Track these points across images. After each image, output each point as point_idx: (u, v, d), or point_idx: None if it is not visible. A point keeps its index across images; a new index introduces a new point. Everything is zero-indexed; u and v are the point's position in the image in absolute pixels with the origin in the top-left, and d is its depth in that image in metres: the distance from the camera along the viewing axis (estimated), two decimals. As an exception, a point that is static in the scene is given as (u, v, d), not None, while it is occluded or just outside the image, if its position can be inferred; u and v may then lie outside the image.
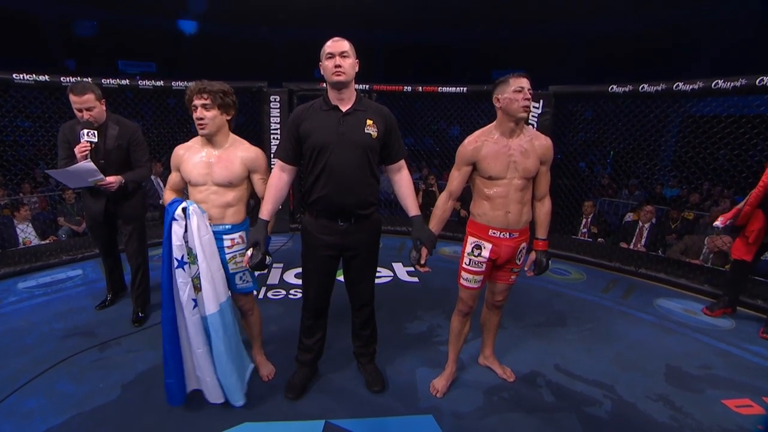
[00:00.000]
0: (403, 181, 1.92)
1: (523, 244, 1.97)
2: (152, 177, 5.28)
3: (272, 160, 1.96)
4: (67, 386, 2.09)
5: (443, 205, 1.96)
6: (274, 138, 4.72)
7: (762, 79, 3.01)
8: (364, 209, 1.84)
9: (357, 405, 2.01)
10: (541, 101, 4.19)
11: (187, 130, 4.61)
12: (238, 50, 13.83)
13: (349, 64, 1.72)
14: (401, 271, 3.81)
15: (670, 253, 4.36)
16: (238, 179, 1.88)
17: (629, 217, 5.36)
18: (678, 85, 3.44)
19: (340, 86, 1.74)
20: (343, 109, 1.77)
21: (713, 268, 3.77)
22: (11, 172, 4.39)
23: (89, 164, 2.33)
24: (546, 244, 1.97)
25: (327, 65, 1.72)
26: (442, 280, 3.50)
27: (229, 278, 1.97)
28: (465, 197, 2.11)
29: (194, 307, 1.73)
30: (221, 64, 13.27)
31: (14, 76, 3.49)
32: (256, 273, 1.98)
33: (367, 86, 4.73)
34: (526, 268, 2.01)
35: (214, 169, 1.85)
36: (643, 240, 4.66)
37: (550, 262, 1.99)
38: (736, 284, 3.06)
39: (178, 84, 4.19)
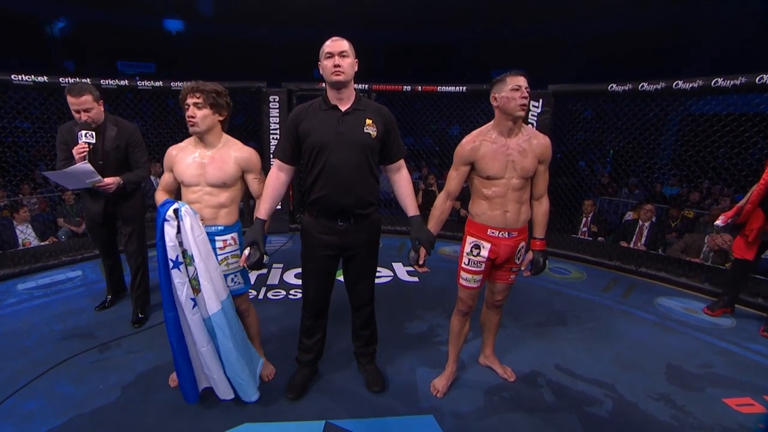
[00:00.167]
0: (402, 180, 1.92)
1: (522, 244, 1.96)
2: (151, 177, 5.27)
3: (272, 160, 1.95)
4: (66, 388, 2.09)
5: (441, 205, 1.96)
6: (273, 138, 4.72)
7: (762, 77, 3.01)
8: (364, 209, 1.83)
9: (357, 405, 2.01)
10: (541, 100, 4.18)
11: (186, 131, 4.60)
12: (238, 50, 13.83)
13: (348, 64, 1.72)
14: (401, 270, 3.81)
15: (670, 252, 4.35)
16: (231, 179, 1.88)
17: (629, 215, 5.35)
18: (678, 84, 3.44)
19: (339, 86, 1.73)
20: (343, 108, 1.77)
21: (713, 267, 3.77)
22: (10, 173, 4.38)
23: (86, 166, 2.32)
24: (543, 243, 1.97)
25: (326, 65, 1.72)
26: (442, 279, 3.50)
27: None
28: (465, 196, 2.10)
29: (193, 306, 1.72)
30: (220, 65, 13.27)
31: (13, 77, 3.48)
32: (254, 273, 1.98)
33: (367, 86, 4.72)
34: (522, 268, 2.00)
35: (207, 170, 1.85)
36: (643, 239, 4.66)
37: (547, 261, 1.99)
38: (736, 283, 3.06)
39: (177, 85, 4.19)
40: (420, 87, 4.77)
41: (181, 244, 1.70)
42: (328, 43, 1.74)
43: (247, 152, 1.91)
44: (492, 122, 1.88)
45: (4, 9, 11.10)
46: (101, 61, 12.77)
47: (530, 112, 4.22)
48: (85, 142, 2.38)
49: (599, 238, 4.88)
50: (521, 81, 1.75)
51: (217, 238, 1.90)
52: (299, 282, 3.33)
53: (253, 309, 2.16)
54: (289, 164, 1.86)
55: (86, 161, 2.35)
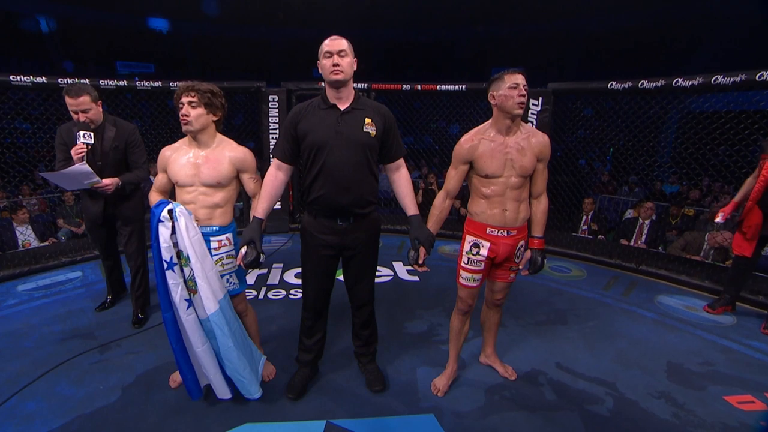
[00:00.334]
0: (401, 180, 1.91)
1: (522, 242, 1.96)
2: (151, 178, 5.27)
3: (271, 159, 1.95)
4: (67, 389, 2.09)
5: (441, 204, 1.95)
6: (272, 138, 4.72)
7: (762, 74, 3.00)
8: (363, 208, 1.83)
9: (358, 405, 2.01)
10: (540, 99, 4.18)
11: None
12: (237, 50, 13.82)
13: (347, 63, 1.71)
14: (401, 270, 3.80)
15: (670, 250, 4.35)
16: (226, 179, 1.88)
17: (629, 213, 5.34)
18: (677, 81, 3.43)
19: (338, 85, 1.73)
20: (342, 107, 1.76)
21: (714, 264, 3.76)
22: (10, 174, 4.38)
23: (84, 167, 2.32)
24: (542, 242, 1.96)
25: (325, 64, 1.72)
26: (442, 278, 3.49)
27: None
28: (465, 195, 2.10)
29: (188, 307, 1.72)
30: (220, 65, 13.28)
31: (11, 77, 3.48)
32: (253, 272, 1.98)
33: (366, 85, 4.71)
34: (521, 267, 2.00)
35: (201, 170, 1.84)
36: (644, 237, 4.66)
37: (545, 260, 1.98)
38: (737, 281, 3.06)
39: (176, 85, 4.18)
40: (419, 86, 4.76)
41: (176, 245, 1.70)
42: (326, 42, 1.73)
43: (241, 152, 1.91)
44: (490, 120, 1.87)
45: (2, 10, 11.08)
46: (100, 62, 12.77)
47: (530, 111, 4.21)
48: (84, 143, 2.37)
49: (599, 237, 4.88)
50: (519, 79, 1.74)
51: (212, 238, 1.89)
52: (299, 282, 3.33)
53: (251, 309, 2.16)
54: (288, 163, 1.85)
55: (84, 162, 2.35)
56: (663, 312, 3.10)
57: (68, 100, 2.36)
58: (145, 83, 4.16)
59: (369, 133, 1.77)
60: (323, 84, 1.79)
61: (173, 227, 1.68)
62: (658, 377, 2.28)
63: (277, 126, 4.71)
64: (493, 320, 2.23)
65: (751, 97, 3.58)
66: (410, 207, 1.89)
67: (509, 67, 1.88)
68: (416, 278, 3.60)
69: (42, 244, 4.29)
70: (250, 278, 3.47)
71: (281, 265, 3.83)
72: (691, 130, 4.07)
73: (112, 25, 12.96)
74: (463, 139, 1.87)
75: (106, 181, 2.43)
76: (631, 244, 4.61)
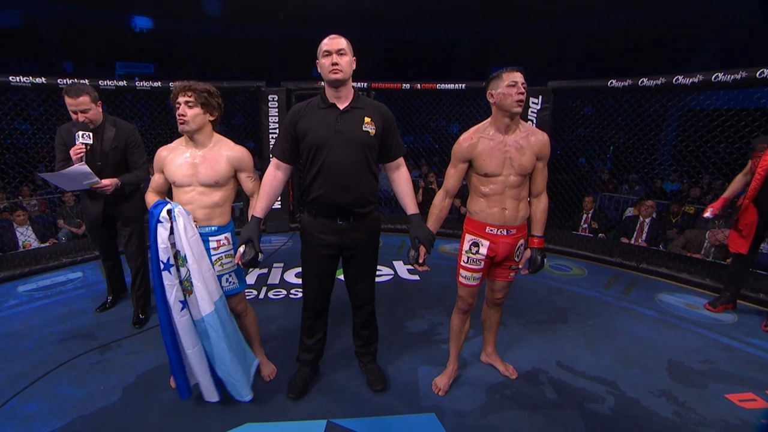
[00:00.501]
0: (401, 179, 1.91)
1: (521, 241, 1.95)
2: (151, 178, 5.27)
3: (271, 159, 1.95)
4: (67, 389, 2.09)
5: (440, 203, 1.95)
6: (272, 137, 4.71)
7: (762, 72, 2.99)
8: (363, 207, 1.83)
9: (359, 404, 2.01)
10: (540, 97, 4.17)
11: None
12: (236, 50, 13.82)
13: (346, 62, 1.71)
14: (402, 269, 3.80)
15: (671, 248, 4.35)
16: (224, 179, 1.87)
17: (630, 212, 5.34)
18: (678, 79, 3.42)
19: (337, 84, 1.73)
20: (341, 106, 1.76)
21: (715, 262, 3.76)
22: (10, 175, 4.38)
23: (83, 167, 2.31)
24: (541, 241, 1.95)
25: (324, 63, 1.71)
26: (442, 277, 3.49)
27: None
28: (465, 194, 2.10)
29: (182, 309, 1.72)
30: (219, 65, 13.27)
31: (11, 78, 3.48)
32: (252, 272, 1.97)
33: (366, 84, 4.71)
34: (520, 266, 1.99)
35: (199, 170, 1.84)
36: (644, 235, 4.65)
37: (545, 260, 1.97)
38: (736, 278, 3.05)
39: (173, 86, 4.18)
40: (419, 85, 4.75)
41: (173, 245, 1.70)
42: (325, 41, 1.73)
43: (239, 151, 1.90)
44: (489, 119, 1.87)
45: (1, 11, 11.08)
46: (100, 62, 12.77)
47: (530, 109, 4.21)
48: (83, 143, 2.37)
49: (600, 235, 4.87)
50: (517, 77, 1.73)
51: (210, 238, 1.89)
52: (300, 281, 3.32)
53: (251, 309, 2.15)
54: (287, 163, 1.85)
55: (83, 162, 2.35)
56: (664, 310, 3.10)
57: (68, 101, 2.36)
58: (145, 83, 4.16)
59: (368, 132, 1.76)
60: (323, 83, 1.79)
61: (171, 228, 1.68)
62: (659, 375, 2.28)
63: (277, 126, 4.71)
64: (494, 319, 2.22)
65: (752, 95, 3.57)
66: (410, 206, 1.89)
67: (509, 66, 1.87)
68: (417, 277, 3.60)
69: (42, 245, 4.29)
70: (251, 278, 3.47)
71: (282, 264, 3.83)
72: (691, 127, 4.06)
73: (111, 26, 12.96)
74: (462, 137, 1.87)
75: (106, 181, 2.43)
76: (632, 242, 4.61)
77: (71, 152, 2.36)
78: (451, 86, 4.66)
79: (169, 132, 4.75)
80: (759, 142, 2.83)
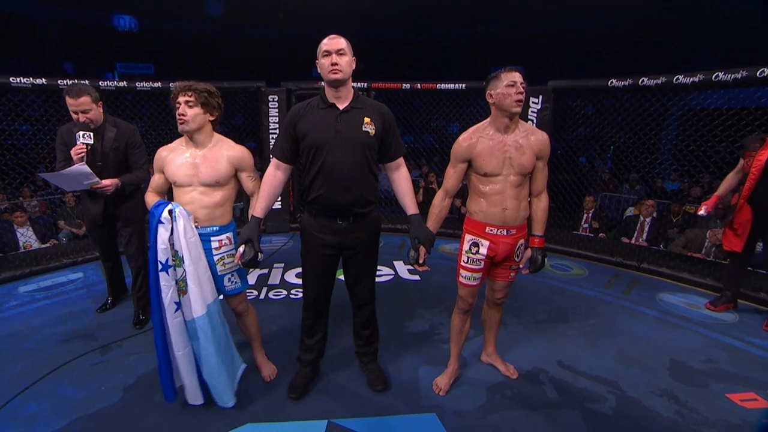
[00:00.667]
0: (401, 179, 1.91)
1: (521, 241, 1.95)
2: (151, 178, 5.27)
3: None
4: (68, 390, 2.09)
5: (440, 203, 1.95)
6: (272, 138, 4.71)
7: (763, 71, 2.99)
8: (363, 207, 1.83)
9: (359, 404, 2.01)
10: (541, 97, 4.16)
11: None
12: (236, 50, 13.81)
13: (346, 62, 1.71)
14: (402, 269, 3.80)
15: (671, 247, 4.34)
16: (225, 178, 1.87)
17: (630, 211, 5.34)
18: (678, 78, 3.42)
19: (337, 84, 1.73)
20: (341, 107, 1.76)
21: (715, 262, 3.75)
22: (10, 176, 4.39)
23: (84, 167, 2.31)
24: (542, 241, 1.95)
25: (323, 63, 1.71)
26: (443, 277, 3.49)
27: (218, 281, 1.95)
28: (465, 194, 2.10)
29: (176, 310, 1.72)
30: (219, 65, 13.27)
31: (11, 79, 3.48)
32: (251, 271, 1.97)
33: (366, 84, 4.71)
34: (521, 266, 1.99)
35: (200, 169, 1.84)
36: (645, 234, 4.65)
37: (546, 259, 1.97)
38: (735, 277, 3.05)
39: (173, 86, 4.18)
40: (419, 84, 4.75)
41: (172, 245, 1.70)
42: (325, 41, 1.73)
43: (239, 151, 1.90)
44: (489, 119, 1.87)
45: (1, 12, 11.09)
46: (100, 63, 12.77)
47: (530, 109, 4.21)
48: (83, 143, 2.37)
49: (600, 235, 4.87)
50: (516, 77, 1.73)
51: (212, 238, 1.89)
52: (300, 282, 3.33)
53: (252, 309, 2.15)
54: (287, 163, 1.85)
55: (84, 162, 2.35)
56: (665, 310, 3.09)
57: (69, 101, 2.36)
58: (145, 84, 4.16)
59: (368, 132, 1.76)
60: (323, 83, 1.78)
61: (172, 228, 1.68)
62: (660, 375, 2.27)
63: (277, 126, 4.71)
64: (494, 319, 2.22)
65: (752, 94, 3.56)
66: (410, 206, 1.88)
67: (510, 65, 1.87)
68: (417, 277, 3.60)
69: (43, 246, 4.29)
70: (251, 278, 3.47)
71: (282, 264, 3.83)
72: (692, 127, 4.06)
73: (111, 26, 12.97)
74: (461, 137, 1.87)
75: (106, 182, 2.43)
76: (633, 241, 4.61)
77: (72, 152, 2.36)
78: (451, 86, 4.66)
79: (170, 132, 4.75)
80: (751, 141, 2.84)
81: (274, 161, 1.85)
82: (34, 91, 3.67)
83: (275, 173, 1.85)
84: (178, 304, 1.73)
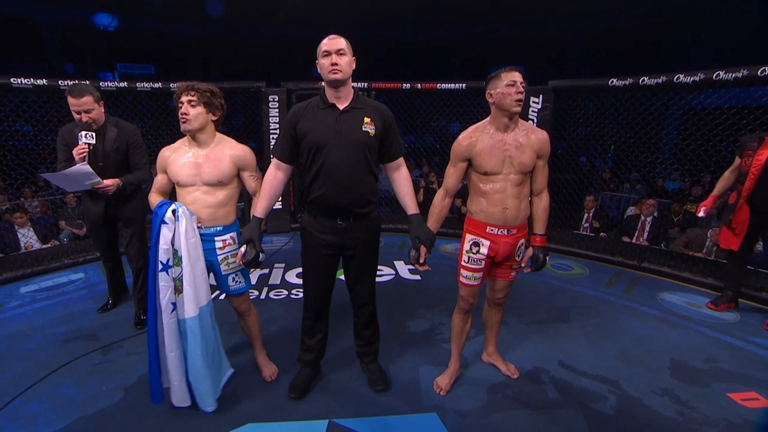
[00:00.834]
0: (401, 179, 1.91)
1: (522, 241, 1.95)
2: (153, 179, 5.27)
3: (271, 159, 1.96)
4: (70, 390, 2.09)
5: (440, 202, 1.95)
6: (273, 138, 4.71)
7: (764, 70, 2.98)
8: (363, 208, 1.83)
9: (360, 404, 2.01)
10: (541, 96, 4.16)
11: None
12: (237, 51, 13.83)
13: (346, 62, 1.71)
14: (403, 269, 3.80)
15: (672, 247, 4.34)
16: (227, 178, 1.88)
17: (631, 211, 5.33)
18: (679, 77, 3.41)
19: (337, 84, 1.73)
20: (341, 107, 1.76)
21: (716, 261, 3.75)
22: (11, 176, 4.39)
23: (85, 167, 2.32)
24: (543, 239, 1.95)
25: (323, 63, 1.71)
26: (443, 277, 3.49)
27: (222, 280, 1.96)
28: (466, 193, 2.10)
29: (172, 311, 1.73)
30: (220, 65, 13.29)
31: (12, 80, 3.49)
32: (252, 271, 1.97)
33: (366, 84, 4.71)
34: (523, 265, 1.99)
35: (203, 169, 1.84)
36: (646, 234, 4.64)
37: (547, 258, 1.97)
38: (735, 276, 3.05)
39: (176, 86, 4.17)
40: (419, 84, 4.75)
41: (173, 245, 1.70)
42: (325, 41, 1.73)
43: (241, 150, 1.91)
44: (488, 118, 1.87)
45: (2, 13, 11.10)
46: (101, 63, 12.79)
47: (530, 108, 4.20)
48: (85, 143, 2.38)
49: (601, 234, 4.86)
50: (516, 76, 1.73)
51: (216, 238, 1.90)
52: (301, 282, 3.33)
53: (253, 309, 2.15)
54: (287, 163, 1.85)
55: (86, 162, 2.35)
56: (666, 309, 3.09)
57: (71, 101, 2.37)
58: (145, 84, 4.16)
59: (368, 132, 1.76)
60: (323, 84, 1.79)
61: (175, 228, 1.69)
62: (661, 375, 2.27)
63: (277, 126, 4.71)
64: (495, 319, 2.22)
65: (753, 93, 3.55)
66: (410, 206, 1.89)
67: (511, 65, 1.87)
68: (418, 277, 3.60)
69: (44, 246, 4.30)
70: (252, 278, 3.46)
71: (283, 265, 3.84)
72: (692, 126, 4.05)
73: (111, 27, 12.98)
74: (461, 136, 1.87)
75: (107, 181, 2.43)
76: (633, 241, 4.60)
77: (74, 152, 2.37)
78: (451, 86, 4.66)
79: (170, 133, 4.76)
80: (749, 140, 2.82)
81: (274, 161, 1.86)
82: (35, 92, 3.68)
83: (276, 173, 1.85)
84: (175, 305, 1.74)
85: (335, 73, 1.69)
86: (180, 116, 1.80)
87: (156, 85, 4.18)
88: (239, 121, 5.42)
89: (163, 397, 1.85)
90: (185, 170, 1.84)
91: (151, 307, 1.72)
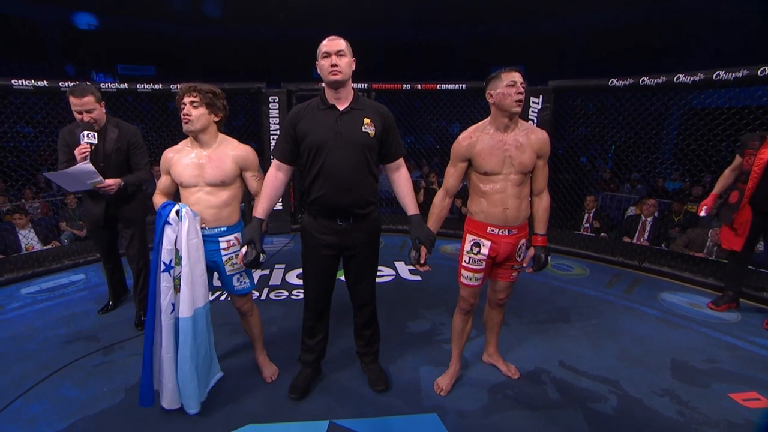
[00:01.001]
0: (401, 179, 1.91)
1: (523, 241, 1.95)
2: (155, 180, 5.28)
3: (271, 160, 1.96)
4: (71, 391, 2.09)
5: (440, 203, 1.95)
6: (273, 139, 4.72)
7: (764, 70, 2.98)
8: (363, 208, 1.83)
9: (361, 405, 2.01)
10: (541, 96, 4.16)
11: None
12: (237, 51, 13.84)
13: (346, 63, 1.71)
14: (403, 269, 3.80)
15: (673, 247, 4.33)
16: (230, 178, 1.89)
17: (632, 211, 5.33)
18: (679, 77, 3.41)
19: (336, 85, 1.73)
20: (341, 108, 1.76)
21: (717, 261, 3.74)
22: (12, 178, 4.40)
23: (88, 166, 2.32)
24: (545, 239, 1.95)
25: (323, 64, 1.71)
26: (444, 278, 3.49)
27: (227, 280, 1.97)
28: (466, 194, 2.10)
29: (172, 311, 1.73)
30: (220, 66, 13.30)
31: (13, 81, 3.50)
32: (254, 272, 1.98)
33: (366, 85, 4.71)
34: (524, 265, 1.99)
35: (205, 170, 1.85)
36: (646, 234, 4.64)
37: (549, 258, 1.97)
38: (736, 276, 3.04)
39: (176, 87, 4.18)
40: (420, 85, 4.75)
41: (175, 245, 1.70)
42: (324, 42, 1.73)
43: (244, 150, 1.92)
44: (488, 119, 1.87)
45: (2, 14, 11.13)
46: (102, 64, 12.81)
47: (531, 109, 4.20)
48: (87, 143, 2.38)
49: (602, 234, 4.86)
50: (516, 77, 1.73)
51: (220, 239, 1.90)
52: (301, 282, 3.33)
53: (256, 310, 2.16)
54: (288, 164, 1.85)
55: (88, 161, 2.36)
56: (666, 309, 3.09)
57: (73, 101, 2.38)
58: (146, 86, 4.17)
59: (368, 133, 1.76)
60: (323, 84, 1.79)
61: (178, 229, 1.69)
62: (662, 375, 2.27)
63: (277, 127, 4.71)
64: (496, 320, 2.22)
65: (753, 93, 3.55)
66: (410, 207, 1.89)
67: (510, 66, 1.88)
68: (418, 278, 3.60)
69: (45, 248, 4.30)
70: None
71: (283, 265, 3.84)
72: (692, 126, 4.05)
73: (112, 28, 13.01)
74: (461, 136, 1.87)
75: (109, 181, 2.44)
76: (634, 241, 4.60)
77: (76, 152, 2.37)
78: (451, 86, 4.66)
79: (170, 134, 4.77)
80: (750, 138, 2.81)
81: (275, 162, 1.86)
82: (36, 93, 3.68)
83: (276, 174, 1.86)
84: (174, 305, 1.74)
85: (335, 75, 1.69)
86: (182, 117, 1.81)
87: (156, 86, 4.19)
88: (239, 122, 5.43)
89: (153, 400, 1.85)
90: (188, 171, 1.85)
91: (150, 309, 1.72)
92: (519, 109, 1.75)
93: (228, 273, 1.95)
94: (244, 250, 1.78)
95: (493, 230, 1.88)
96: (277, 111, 4.70)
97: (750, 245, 2.91)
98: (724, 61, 3.46)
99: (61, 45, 12.60)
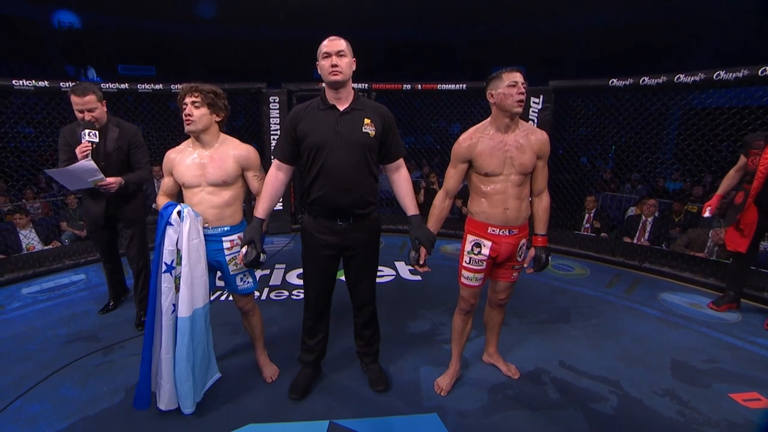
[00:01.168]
0: (401, 180, 1.91)
1: (523, 241, 1.95)
2: (155, 180, 5.28)
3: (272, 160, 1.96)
4: (71, 391, 2.10)
5: (441, 203, 1.95)
6: (273, 139, 4.72)
7: (764, 70, 2.98)
8: (363, 208, 1.83)
9: (361, 405, 2.01)
10: (541, 97, 4.16)
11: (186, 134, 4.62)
12: (237, 52, 13.85)
13: (346, 63, 1.71)
14: (404, 269, 3.80)
15: (674, 247, 4.33)
16: (232, 178, 1.89)
17: (632, 211, 5.33)
18: (679, 77, 3.41)
19: (337, 86, 1.73)
20: (341, 108, 1.76)
21: (718, 261, 3.74)
22: (13, 178, 4.40)
23: (90, 163, 2.32)
24: (545, 239, 1.95)
25: (323, 65, 1.72)
26: (444, 278, 3.49)
27: (230, 280, 1.97)
28: (467, 194, 2.10)
29: (173, 311, 1.73)
30: (220, 66, 13.32)
31: (14, 82, 3.50)
32: (255, 272, 1.98)
33: (366, 85, 4.71)
34: (525, 265, 1.99)
35: (207, 170, 1.86)
36: (647, 234, 4.64)
37: (549, 258, 1.97)
38: (738, 277, 3.04)
39: (177, 87, 4.19)
40: (420, 85, 4.76)
41: (177, 245, 1.70)
42: (325, 42, 1.73)
43: (245, 150, 1.92)
44: (489, 119, 1.87)
45: (2, 15, 11.14)
46: (102, 65, 12.82)
47: (531, 109, 4.20)
48: (89, 141, 2.38)
49: (602, 234, 4.86)
50: (517, 77, 1.73)
51: (223, 239, 1.91)
52: (301, 282, 3.33)
53: (258, 309, 2.17)
54: (288, 164, 1.86)
55: (89, 159, 2.36)
56: (667, 309, 3.09)
57: (74, 99, 2.38)
58: (146, 86, 4.17)
59: (368, 133, 1.77)
60: (323, 85, 1.79)
61: (180, 229, 1.69)
62: (663, 375, 2.27)
63: (278, 127, 4.72)
64: (496, 320, 2.22)
65: (754, 93, 3.55)
66: (410, 207, 1.89)
67: (511, 66, 1.88)
68: (418, 278, 3.60)
69: (46, 248, 4.30)
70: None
71: (283, 265, 3.84)
72: (693, 126, 4.05)
73: (112, 29, 13.03)
74: (461, 137, 1.87)
75: (110, 179, 2.43)
76: (634, 241, 4.60)
77: (77, 150, 2.37)
78: (451, 86, 4.66)
79: (171, 134, 4.77)
80: (754, 138, 2.79)
81: (275, 162, 1.86)
82: (37, 93, 3.69)
83: (277, 174, 1.86)
84: (175, 306, 1.74)
85: (335, 75, 1.69)
86: (184, 117, 1.82)
87: (157, 87, 4.19)
88: (240, 122, 5.43)
89: (149, 403, 1.84)
90: (190, 171, 1.86)
91: (150, 309, 1.72)
92: (520, 110, 1.75)
93: (231, 272, 1.95)
94: (244, 249, 1.78)
95: (493, 230, 1.88)
96: (278, 111, 4.70)
97: (755, 246, 2.90)
98: (724, 61, 3.46)
99: (61, 45, 12.61)
